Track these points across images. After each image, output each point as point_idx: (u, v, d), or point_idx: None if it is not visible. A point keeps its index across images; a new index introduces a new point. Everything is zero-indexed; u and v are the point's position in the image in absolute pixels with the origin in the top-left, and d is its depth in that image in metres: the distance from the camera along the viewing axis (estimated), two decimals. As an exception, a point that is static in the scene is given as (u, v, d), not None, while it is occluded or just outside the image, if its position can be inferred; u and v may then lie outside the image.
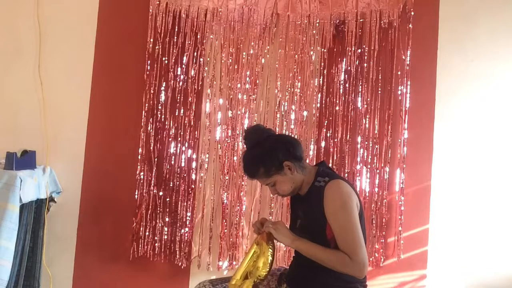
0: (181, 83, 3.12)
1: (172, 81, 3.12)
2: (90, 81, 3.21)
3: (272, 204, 3.02)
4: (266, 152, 2.12)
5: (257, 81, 3.09)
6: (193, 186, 3.09)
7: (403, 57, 3.00)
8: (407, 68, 2.99)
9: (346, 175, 3.00)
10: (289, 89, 3.07)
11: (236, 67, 3.10)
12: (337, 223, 2.02)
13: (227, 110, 3.10)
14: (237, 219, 3.05)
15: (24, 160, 2.95)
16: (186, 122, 3.12)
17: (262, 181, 2.19)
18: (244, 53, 3.10)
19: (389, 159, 2.99)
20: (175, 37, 3.11)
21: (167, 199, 3.10)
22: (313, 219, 2.09)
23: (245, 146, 2.25)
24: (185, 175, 3.10)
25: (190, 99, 3.11)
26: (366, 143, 3.01)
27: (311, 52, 3.06)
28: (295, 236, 2.11)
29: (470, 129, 2.99)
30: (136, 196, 3.09)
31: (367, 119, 3.01)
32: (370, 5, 3.02)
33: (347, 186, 2.10)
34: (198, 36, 3.11)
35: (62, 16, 3.24)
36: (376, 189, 2.99)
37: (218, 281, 2.29)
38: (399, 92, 3.00)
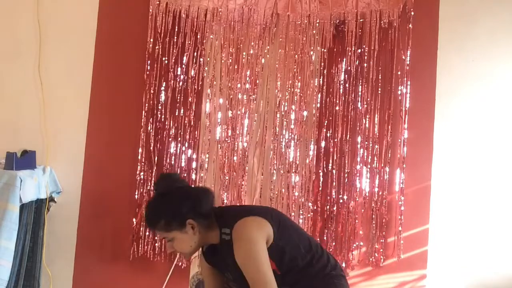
0: (181, 83, 3.12)
1: (172, 81, 3.12)
2: (90, 81, 3.21)
3: (272, 205, 3.02)
4: (170, 205, 1.99)
5: (257, 81, 3.09)
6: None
7: (403, 57, 3.00)
8: (407, 68, 2.99)
9: (346, 175, 3.00)
10: (289, 89, 3.07)
11: (236, 67, 3.10)
12: (247, 274, 1.92)
13: (227, 110, 3.10)
14: (237, 219, 3.05)
15: (24, 160, 2.95)
16: (186, 122, 3.12)
17: (160, 234, 2.06)
18: (244, 53, 3.10)
19: (389, 159, 2.99)
20: (175, 37, 3.11)
21: (167, 199, 3.09)
22: (239, 272, 1.97)
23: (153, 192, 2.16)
24: (185, 175, 3.09)
25: (190, 99, 3.11)
26: (366, 143, 3.01)
27: (311, 52, 3.06)
28: None
29: (470, 129, 2.99)
30: (136, 196, 3.09)
31: (367, 119, 3.01)
32: (370, 5, 3.02)
33: (249, 226, 1.96)
34: (198, 36, 3.11)
35: (62, 16, 3.24)
36: (376, 189, 2.99)
37: None
38: (399, 92, 3.00)
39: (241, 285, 2.07)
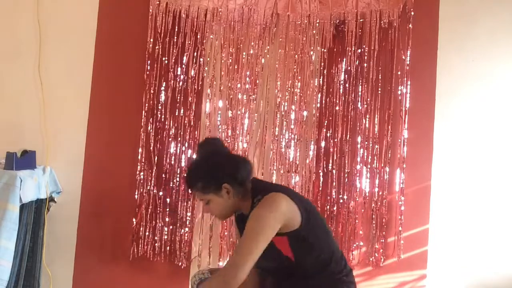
0: (181, 83, 3.12)
1: (172, 81, 3.12)
2: (90, 81, 3.21)
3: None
4: (210, 168, 2.07)
5: (257, 81, 3.09)
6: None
7: (403, 57, 3.00)
8: (407, 68, 2.99)
9: (346, 175, 3.00)
10: (289, 89, 3.07)
11: (236, 67, 3.10)
12: (243, 234, 1.95)
13: (227, 110, 3.10)
14: (237, 219, 3.05)
15: (24, 160, 2.95)
16: (186, 122, 3.12)
17: (197, 195, 2.13)
18: (244, 53, 3.10)
19: (389, 159, 2.99)
20: (175, 37, 3.11)
21: (167, 199, 3.10)
22: None
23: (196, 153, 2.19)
24: (185, 175, 3.09)
25: (190, 99, 3.11)
26: (366, 143, 3.01)
27: (311, 52, 3.06)
28: None
29: (470, 129, 2.99)
30: (136, 196, 3.09)
31: (367, 119, 3.01)
32: (370, 5, 3.02)
33: (278, 200, 1.98)
34: (198, 36, 3.11)
35: (62, 16, 3.24)
36: (376, 189, 2.99)
37: (217, 270, 2.28)
38: (399, 92, 3.00)
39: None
